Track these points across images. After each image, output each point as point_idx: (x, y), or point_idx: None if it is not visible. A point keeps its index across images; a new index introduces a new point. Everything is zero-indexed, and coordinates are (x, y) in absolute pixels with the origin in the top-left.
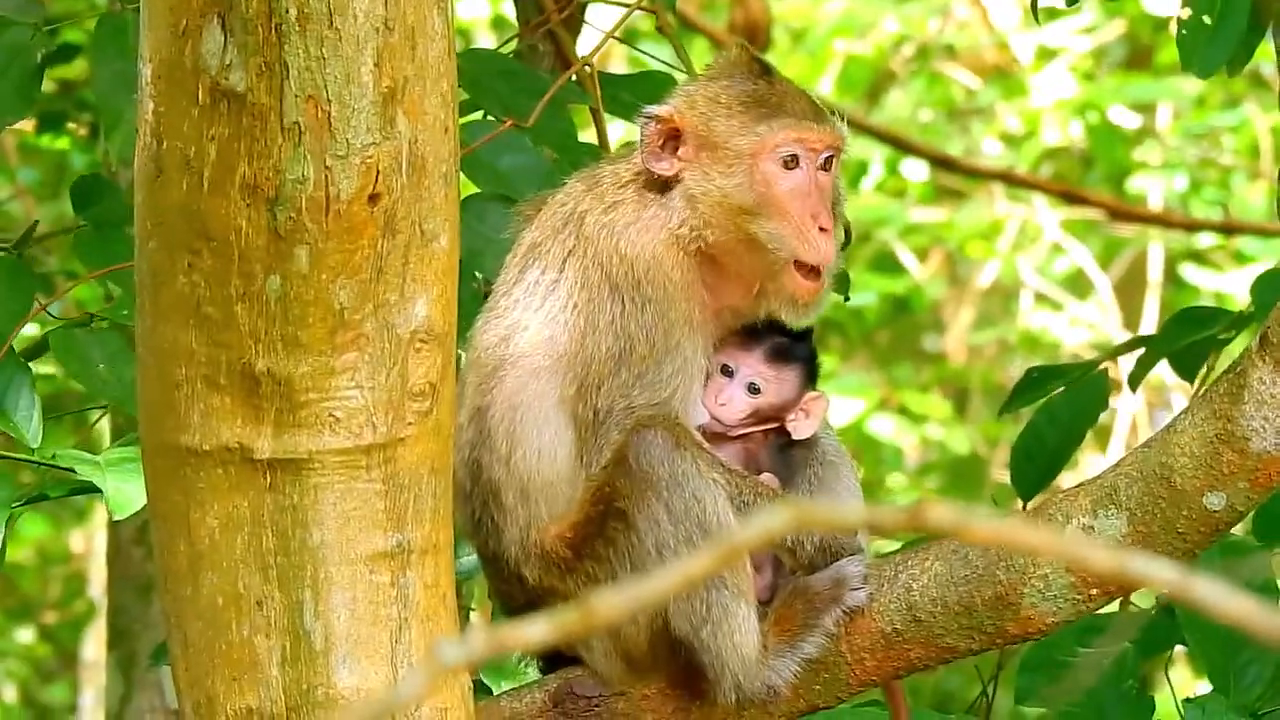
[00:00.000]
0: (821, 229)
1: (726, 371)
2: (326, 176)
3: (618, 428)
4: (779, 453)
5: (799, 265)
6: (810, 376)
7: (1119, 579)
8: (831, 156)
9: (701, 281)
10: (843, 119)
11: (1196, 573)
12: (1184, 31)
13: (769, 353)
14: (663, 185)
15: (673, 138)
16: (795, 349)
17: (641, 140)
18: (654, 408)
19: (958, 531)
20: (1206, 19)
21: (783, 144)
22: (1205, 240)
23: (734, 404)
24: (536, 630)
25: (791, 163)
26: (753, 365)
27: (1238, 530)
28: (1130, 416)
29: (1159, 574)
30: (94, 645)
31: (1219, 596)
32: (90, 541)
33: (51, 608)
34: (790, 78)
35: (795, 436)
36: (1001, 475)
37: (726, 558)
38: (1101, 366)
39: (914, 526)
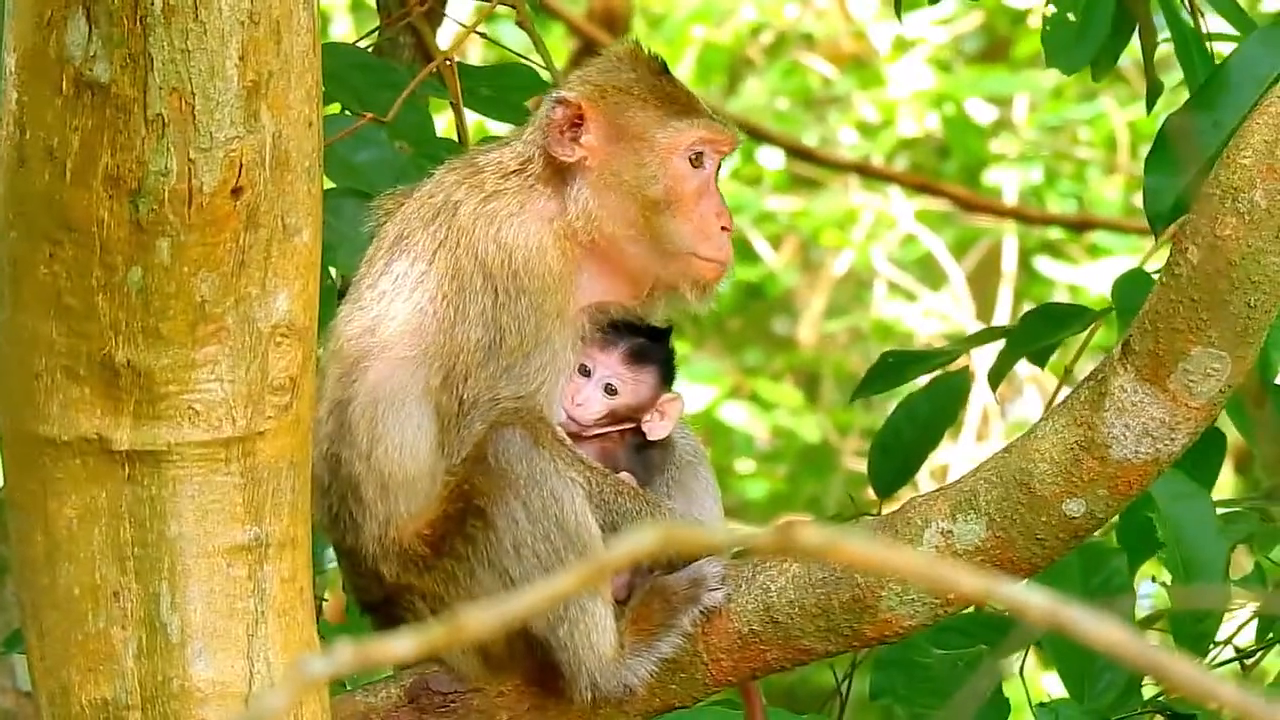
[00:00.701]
0: (724, 228)
1: (584, 371)
2: (189, 169)
3: (481, 419)
4: (636, 452)
5: (700, 259)
6: (667, 377)
7: (987, 601)
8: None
9: (583, 276)
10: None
11: (1064, 600)
12: (1049, 28)
13: (627, 354)
14: (553, 175)
15: (577, 124)
16: (653, 350)
17: (546, 123)
18: (518, 401)
19: (827, 552)
20: (1071, 16)
21: (695, 142)
22: (1059, 233)
23: (590, 404)
24: (403, 645)
25: (697, 161)
26: (610, 366)
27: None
28: (981, 407)
29: (1030, 602)
30: None
31: (1089, 624)
32: None
33: None
34: None
35: (650, 437)
36: (853, 464)
37: (594, 575)
38: (960, 363)
39: (783, 548)
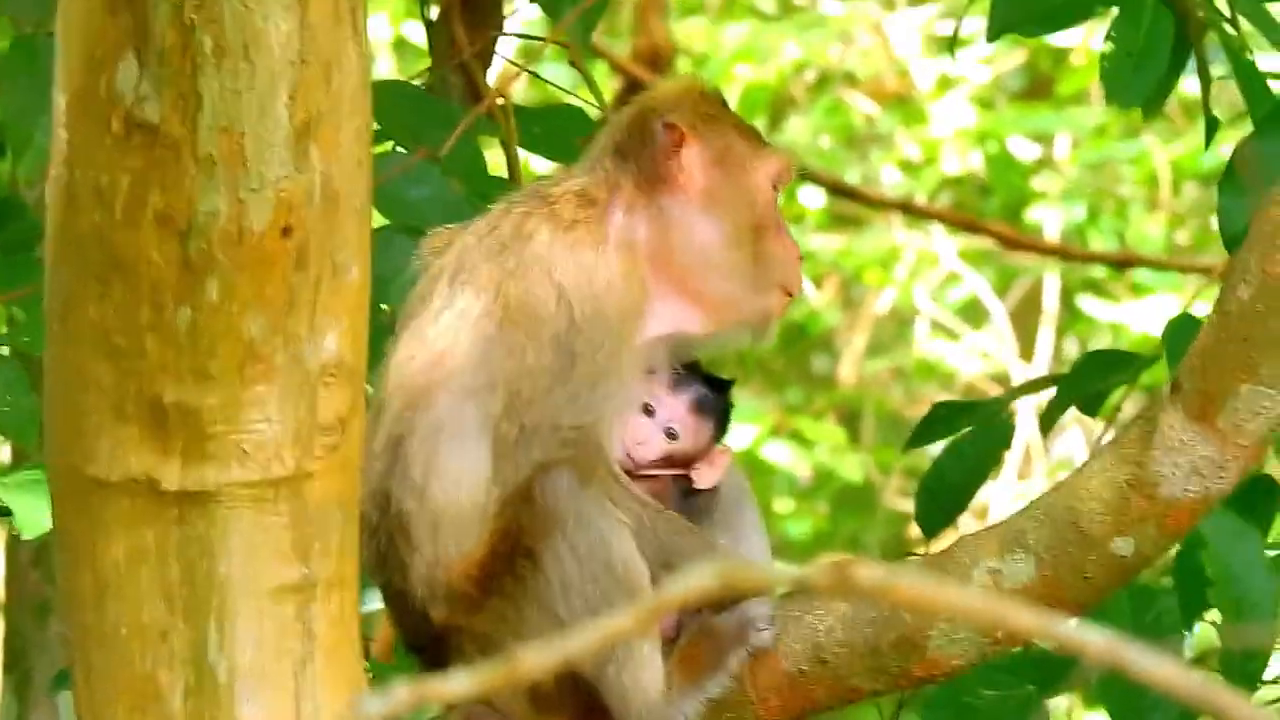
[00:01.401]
0: (799, 258)
1: (648, 411)
2: (239, 209)
3: (540, 448)
4: (683, 497)
5: (783, 290)
6: (722, 429)
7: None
8: None
9: (659, 306)
10: None
11: (1122, 639)
12: (1106, 65)
13: (693, 401)
14: (642, 201)
15: (676, 149)
16: (716, 402)
17: (657, 145)
18: (579, 431)
19: (882, 591)
20: (1129, 53)
21: (780, 170)
22: (1102, 270)
23: (650, 445)
24: (459, 684)
25: (774, 190)
26: (676, 411)
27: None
28: (1023, 443)
29: (1088, 640)
30: None
31: (1147, 663)
32: None
33: None
34: None
35: (698, 485)
36: (894, 501)
37: (652, 614)
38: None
39: (838, 587)
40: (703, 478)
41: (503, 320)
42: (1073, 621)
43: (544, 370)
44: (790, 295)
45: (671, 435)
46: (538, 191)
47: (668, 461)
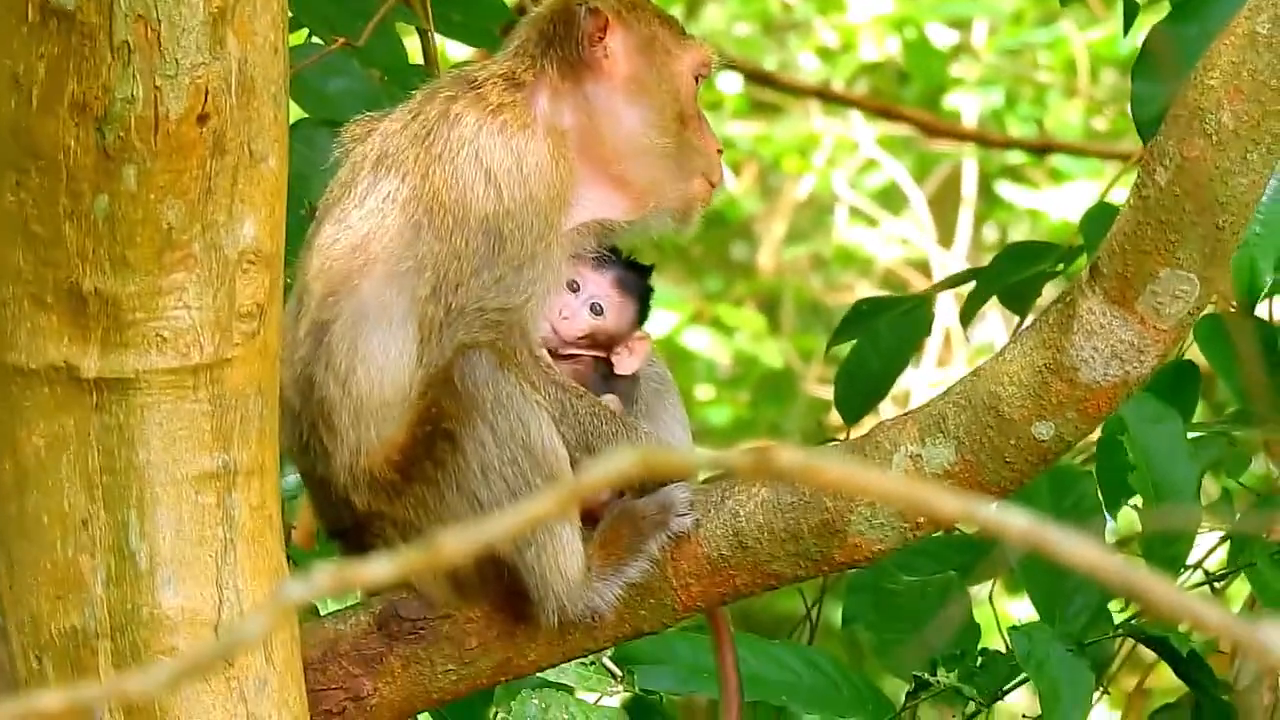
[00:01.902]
0: (719, 150)
1: (572, 287)
2: (156, 96)
3: (465, 329)
4: (604, 381)
5: (703, 179)
6: (642, 315)
7: (964, 523)
8: None
9: (584, 190)
10: None
11: (1045, 522)
12: None
13: (617, 278)
14: (567, 87)
15: (600, 36)
16: (639, 282)
17: (581, 31)
18: (504, 314)
19: (805, 475)
20: None
21: (703, 60)
22: (1020, 157)
23: (575, 320)
24: (380, 568)
25: (697, 81)
26: (601, 286)
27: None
28: (943, 330)
29: (1010, 523)
30: None
31: (1068, 545)
32: None
33: None
34: None
35: (618, 371)
36: (815, 390)
37: (571, 498)
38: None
39: (760, 471)
40: (623, 363)
41: (430, 204)
42: (994, 505)
43: (472, 253)
44: (713, 185)
45: (596, 310)
46: (462, 77)
47: (592, 340)
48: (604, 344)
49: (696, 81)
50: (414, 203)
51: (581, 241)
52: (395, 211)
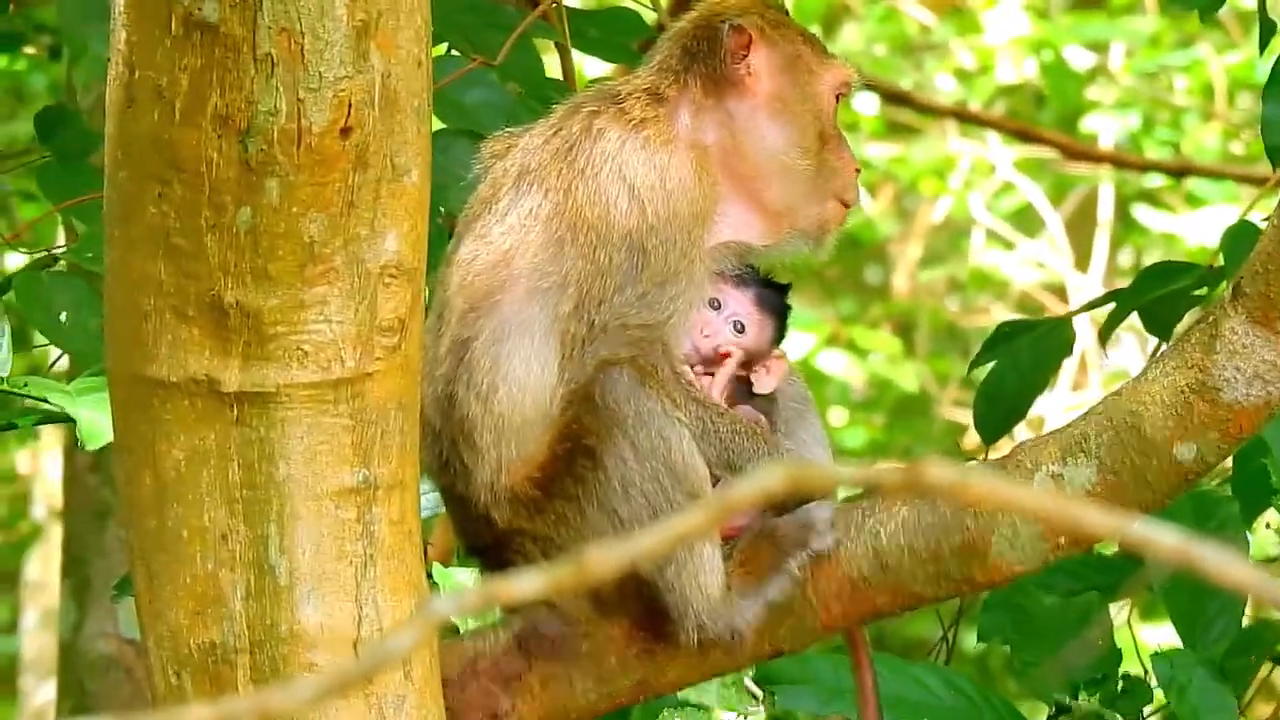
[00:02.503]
0: (857, 170)
1: (714, 305)
2: (299, 109)
3: (607, 346)
4: (743, 400)
5: (841, 201)
6: (780, 334)
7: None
8: None
9: (724, 209)
10: None
11: (1198, 540)
12: None
13: (757, 296)
14: (710, 104)
15: (744, 53)
16: (778, 301)
17: (725, 48)
18: (646, 330)
19: (956, 491)
20: None
21: (844, 80)
22: (1156, 181)
23: (717, 337)
24: (528, 585)
25: (837, 100)
26: (743, 304)
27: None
28: (1078, 353)
29: (1160, 540)
30: (38, 566)
31: (1219, 562)
32: (36, 462)
33: None
34: None
35: (757, 390)
36: (949, 413)
37: (719, 514)
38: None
39: (911, 487)
40: (761, 382)
41: (573, 220)
42: (1141, 523)
43: (615, 269)
44: (847, 206)
45: (739, 328)
46: (604, 91)
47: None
48: (744, 362)
49: (836, 100)
50: (556, 218)
51: (722, 259)
52: (538, 227)
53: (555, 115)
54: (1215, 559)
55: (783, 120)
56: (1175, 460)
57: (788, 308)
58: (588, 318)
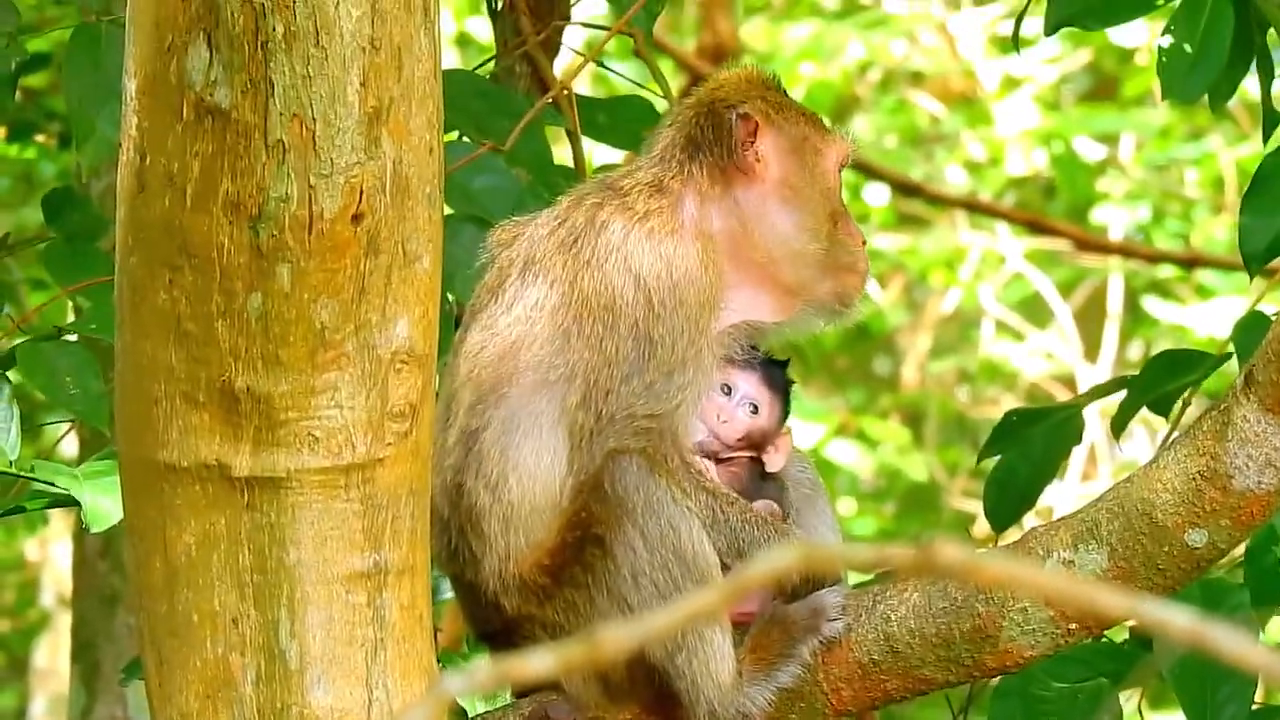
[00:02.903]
0: (863, 241)
1: (725, 390)
2: (310, 195)
3: (615, 437)
4: (758, 482)
5: (855, 273)
6: (786, 410)
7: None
8: None
9: (732, 293)
10: None
11: (1209, 621)
12: (1164, 59)
13: (764, 376)
14: (716, 192)
15: (751, 140)
16: (782, 378)
17: (732, 136)
18: (654, 419)
19: (969, 572)
20: (1187, 47)
21: (846, 153)
22: (1167, 271)
23: (734, 423)
24: (539, 663)
25: (839, 173)
26: (753, 385)
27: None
28: (1088, 444)
29: (1174, 620)
30: (46, 653)
31: (1233, 644)
32: (45, 549)
33: (3, 615)
34: None
35: (769, 469)
36: (958, 503)
37: (732, 594)
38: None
39: (924, 568)
40: (772, 461)
41: (579, 311)
42: (1153, 604)
43: (622, 359)
44: (863, 276)
45: (754, 409)
46: (608, 184)
47: (748, 441)
48: (759, 443)
49: (839, 172)
50: (563, 310)
51: (731, 344)
52: (544, 319)
53: (560, 206)
54: (1227, 639)
55: (794, 205)
56: (1187, 546)
57: (791, 382)
58: (595, 408)
